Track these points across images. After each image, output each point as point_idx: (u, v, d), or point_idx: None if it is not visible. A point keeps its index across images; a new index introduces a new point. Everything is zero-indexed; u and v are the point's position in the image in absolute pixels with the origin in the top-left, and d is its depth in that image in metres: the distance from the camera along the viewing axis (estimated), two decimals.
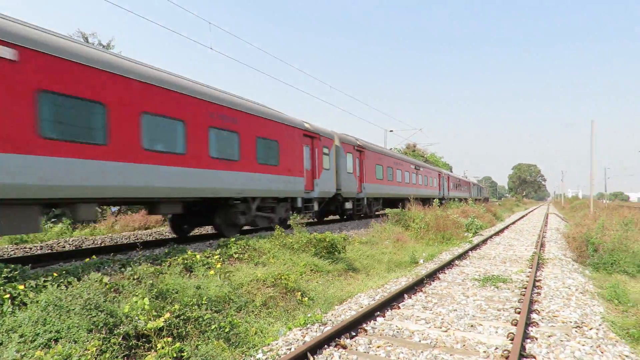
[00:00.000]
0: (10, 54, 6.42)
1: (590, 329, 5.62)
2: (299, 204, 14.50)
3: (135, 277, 5.85)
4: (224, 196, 10.85)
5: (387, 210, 18.78)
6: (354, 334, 5.44)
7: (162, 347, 4.22)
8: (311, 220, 16.33)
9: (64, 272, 5.94)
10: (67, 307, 4.54)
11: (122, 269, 6.46)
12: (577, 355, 4.69)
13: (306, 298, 7.11)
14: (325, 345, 4.92)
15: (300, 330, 5.58)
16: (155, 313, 4.74)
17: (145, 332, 4.41)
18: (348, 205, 18.38)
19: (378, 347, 4.99)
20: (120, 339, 4.24)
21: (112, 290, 5.39)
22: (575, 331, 5.55)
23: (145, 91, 8.67)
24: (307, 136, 14.94)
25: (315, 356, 4.62)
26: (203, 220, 12.38)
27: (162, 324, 4.52)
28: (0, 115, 6.27)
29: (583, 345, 5.01)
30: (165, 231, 15.64)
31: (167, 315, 4.73)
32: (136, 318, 4.52)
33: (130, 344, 4.31)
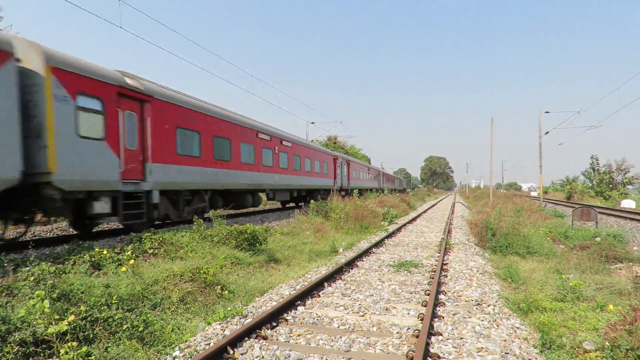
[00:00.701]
0: None
1: (489, 306, 6.25)
2: (330, 191, 27.24)
3: (33, 278, 5.29)
4: (317, 188, 25.40)
5: (312, 203, 19.25)
6: (275, 324, 5.46)
7: (66, 352, 3.89)
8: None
9: None
10: None
11: (17, 270, 5.81)
12: (477, 330, 5.18)
13: (226, 291, 6.98)
14: (246, 338, 4.89)
15: (220, 324, 5.48)
16: (57, 316, 4.34)
17: (46, 337, 4.02)
18: (343, 192, 30.79)
19: (298, 335, 5.08)
20: (15, 347, 3.82)
21: (4, 293, 4.83)
22: (476, 308, 6.13)
23: (312, 152, 24.68)
24: (334, 158, 29.69)
25: (235, 349, 4.57)
26: (300, 200, 24.64)
27: (65, 328, 4.16)
28: None
29: (482, 320, 5.56)
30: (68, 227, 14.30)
31: (72, 317, 4.36)
32: (34, 323, 4.10)
33: (28, 352, 3.90)
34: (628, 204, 33.66)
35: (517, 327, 5.42)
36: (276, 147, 18.81)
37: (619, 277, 8.59)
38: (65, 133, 8.35)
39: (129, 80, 10.25)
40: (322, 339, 4.93)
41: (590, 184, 50.86)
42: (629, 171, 46.95)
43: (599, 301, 6.35)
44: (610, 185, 47.20)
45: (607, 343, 4.45)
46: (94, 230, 11.66)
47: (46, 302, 4.33)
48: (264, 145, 17.42)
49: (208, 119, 13.44)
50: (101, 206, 9.39)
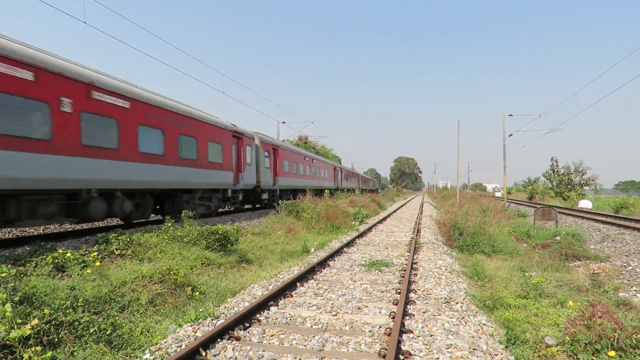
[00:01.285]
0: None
1: (457, 303, 6.44)
2: (332, 189, 36.72)
3: None
4: (326, 188, 35.32)
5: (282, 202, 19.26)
6: (248, 325, 5.44)
7: (30, 358, 3.74)
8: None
9: None
10: None
11: None
12: (446, 327, 5.33)
13: (197, 292, 6.88)
14: (218, 339, 4.84)
15: (191, 326, 5.40)
16: (19, 320, 4.16)
17: (8, 342, 3.85)
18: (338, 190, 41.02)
19: (272, 335, 5.07)
20: None
21: None
22: (445, 306, 6.30)
23: (324, 164, 38.37)
24: (334, 167, 40.48)
25: (207, 351, 4.51)
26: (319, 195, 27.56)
27: (28, 332, 3.99)
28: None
29: (451, 317, 5.72)
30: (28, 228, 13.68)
31: (35, 321, 4.19)
32: None
33: None
34: (585, 204, 35.32)
35: (484, 324, 5.61)
36: (309, 164, 31.36)
37: (577, 275, 9.04)
38: (262, 166, 20.62)
39: (274, 142, 22.88)
40: (295, 339, 4.94)
41: (551, 185, 53.07)
42: (585, 173, 49.31)
43: (559, 298, 6.67)
44: (569, 186, 49.42)
45: (567, 338, 4.69)
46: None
47: (7, 306, 4.14)
48: (307, 163, 30.47)
49: (292, 153, 26.19)
50: (266, 196, 21.60)
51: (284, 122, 39.84)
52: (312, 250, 12.05)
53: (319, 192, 30.78)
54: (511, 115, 33.61)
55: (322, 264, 9.47)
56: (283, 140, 36.91)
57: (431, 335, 5.04)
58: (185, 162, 13.38)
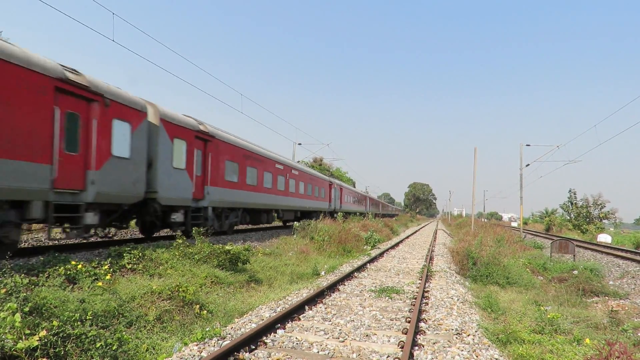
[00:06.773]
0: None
1: (468, 335, 6.26)
2: (327, 212, 32.16)
3: (5, 289, 5.11)
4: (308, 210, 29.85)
5: (295, 224, 19.18)
6: (254, 347, 5.36)
7: None
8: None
9: None
10: None
11: None
12: (456, 359, 5.17)
13: (205, 311, 6.85)
14: None
15: (197, 345, 5.35)
16: (28, 331, 4.19)
17: (15, 352, 3.86)
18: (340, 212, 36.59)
19: (277, 359, 4.99)
20: None
21: None
22: (456, 338, 6.13)
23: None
24: (329, 184, 34.76)
25: None
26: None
27: (36, 343, 4.01)
28: None
29: (462, 350, 5.56)
30: (44, 237, 13.90)
31: (43, 332, 4.21)
32: (4, 337, 3.94)
33: None
34: (604, 238, 34.38)
35: (496, 359, 5.43)
36: (283, 174, 26.53)
37: (595, 311, 8.74)
38: (163, 164, 12.35)
39: (205, 127, 14.42)
40: None
41: (568, 217, 51.91)
42: (604, 206, 48.13)
43: (575, 334, 6.43)
44: (587, 219, 48.23)
45: None
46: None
47: (17, 316, 4.18)
48: (279, 172, 24.85)
49: (245, 152, 18.41)
50: (179, 217, 13.15)
51: (300, 144, 40.21)
52: (323, 273, 11.94)
53: (307, 215, 27.82)
54: (528, 145, 33.33)
55: (332, 288, 9.36)
56: (298, 162, 37.01)
57: None
58: None
